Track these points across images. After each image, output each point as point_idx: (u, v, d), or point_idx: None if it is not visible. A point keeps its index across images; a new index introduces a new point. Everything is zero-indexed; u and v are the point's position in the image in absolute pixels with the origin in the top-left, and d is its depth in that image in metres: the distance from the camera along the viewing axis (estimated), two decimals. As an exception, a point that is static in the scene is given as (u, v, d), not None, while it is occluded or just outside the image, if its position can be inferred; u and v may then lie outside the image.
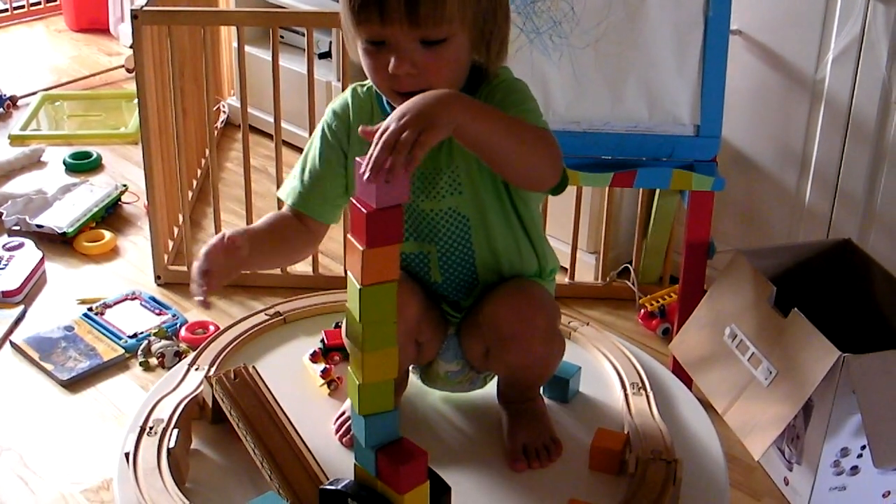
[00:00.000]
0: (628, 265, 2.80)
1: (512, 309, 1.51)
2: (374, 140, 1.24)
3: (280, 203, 1.67)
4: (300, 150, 3.41)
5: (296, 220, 1.61)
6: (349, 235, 1.23)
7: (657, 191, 2.67)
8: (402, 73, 1.40)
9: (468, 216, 1.53)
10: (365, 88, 1.58)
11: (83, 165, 3.48)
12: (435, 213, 1.54)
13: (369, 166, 1.21)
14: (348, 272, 1.25)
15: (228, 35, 3.72)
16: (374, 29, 1.40)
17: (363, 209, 1.20)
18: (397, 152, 1.22)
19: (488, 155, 1.38)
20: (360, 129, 1.30)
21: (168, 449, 1.50)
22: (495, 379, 1.67)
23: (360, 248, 1.21)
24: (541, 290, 1.57)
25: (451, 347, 1.61)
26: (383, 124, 1.26)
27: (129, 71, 4.18)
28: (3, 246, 2.91)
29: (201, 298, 1.41)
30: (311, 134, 2.62)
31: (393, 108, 1.52)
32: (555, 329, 1.57)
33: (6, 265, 2.81)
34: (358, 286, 1.23)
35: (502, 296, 1.53)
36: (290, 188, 1.63)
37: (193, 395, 1.62)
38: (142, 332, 2.57)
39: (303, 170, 1.62)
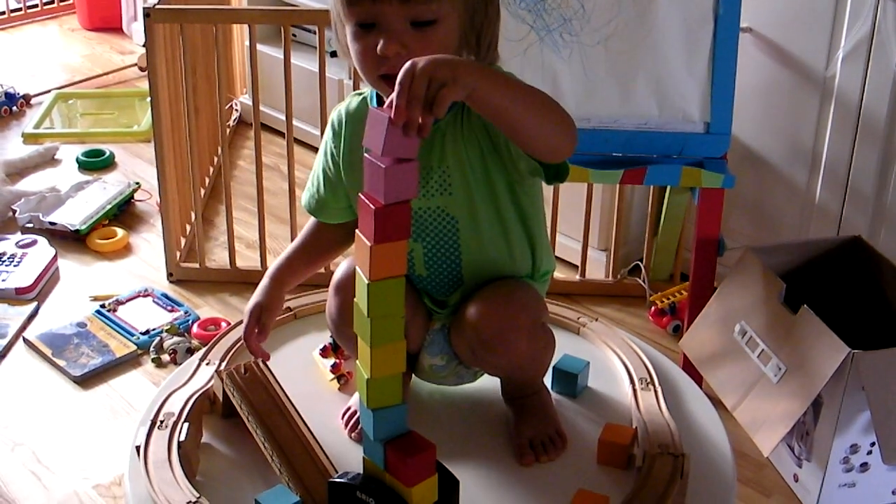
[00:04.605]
0: (639, 262, 2.80)
1: (493, 312, 1.50)
2: (397, 90, 1.21)
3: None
4: (312, 147, 3.45)
5: (325, 226, 1.71)
6: (357, 231, 1.24)
7: (668, 188, 2.67)
8: (392, 53, 1.39)
9: (456, 217, 1.53)
10: (360, 97, 1.60)
11: (96, 163, 3.50)
12: (423, 212, 1.54)
13: (400, 119, 1.19)
14: (356, 268, 1.26)
15: (240, 33, 3.73)
16: (365, 7, 1.40)
17: (371, 205, 1.20)
18: (427, 111, 1.21)
19: (504, 121, 1.36)
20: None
21: (179, 442, 1.51)
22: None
23: (369, 244, 1.21)
24: (525, 289, 1.56)
25: (437, 342, 1.61)
26: (405, 72, 1.21)
27: (141, 69, 4.20)
28: (17, 243, 2.93)
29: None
30: (321, 132, 2.66)
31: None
32: (538, 326, 1.56)
33: (20, 262, 2.83)
34: (366, 281, 1.23)
35: (484, 298, 1.52)
36: (308, 196, 1.70)
37: (204, 389, 1.63)
38: (154, 329, 2.58)
39: (315, 180, 1.68)
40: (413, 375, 1.68)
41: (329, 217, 1.68)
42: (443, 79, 1.22)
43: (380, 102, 1.54)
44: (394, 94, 1.20)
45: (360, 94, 1.61)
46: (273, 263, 1.72)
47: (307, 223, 1.74)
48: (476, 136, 1.50)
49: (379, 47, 1.40)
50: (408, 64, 1.22)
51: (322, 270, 2.75)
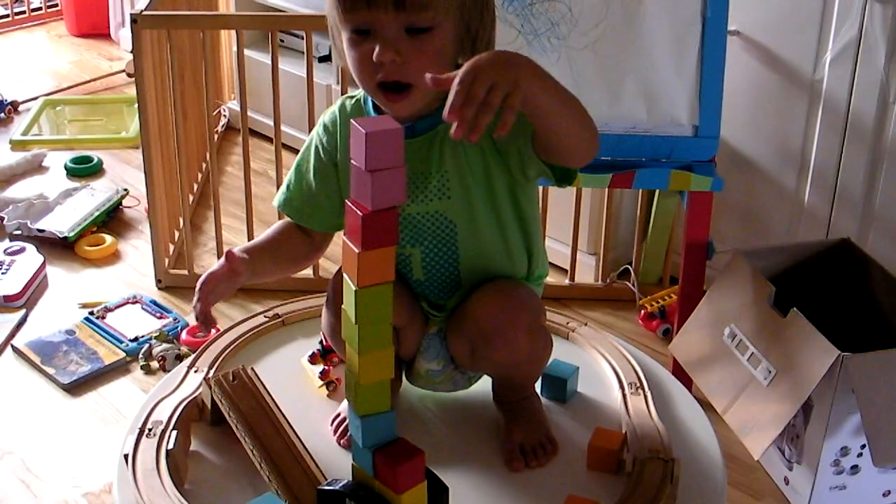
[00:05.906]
0: (628, 266, 2.80)
1: (495, 306, 1.51)
2: (456, 88, 1.21)
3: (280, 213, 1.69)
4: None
5: (298, 230, 1.66)
6: (344, 237, 1.23)
7: (657, 192, 2.67)
8: (387, 59, 1.39)
9: (455, 222, 1.53)
10: (354, 100, 1.59)
11: (84, 170, 3.49)
12: (421, 217, 1.53)
13: (453, 118, 1.19)
14: (344, 274, 1.25)
15: (228, 39, 3.72)
16: (360, 14, 1.39)
17: (359, 211, 1.20)
18: (484, 113, 1.20)
19: (546, 123, 1.36)
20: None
21: (167, 450, 1.50)
22: (488, 379, 1.67)
23: (356, 251, 1.21)
24: (525, 288, 1.56)
25: (433, 346, 1.60)
26: (466, 72, 1.22)
27: (129, 75, 4.19)
28: (5, 250, 2.92)
29: (198, 314, 1.55)
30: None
31: (380, 112, 1.52)
32: (538, 325, 1.56)
33: (7, 270, 2.82)
34: (354, 288, 1.23)
35: (486, 294, 1.52)
36: (284, 199, 1.66)
37: (192, 396, 1.62)
38: (143, 336, 2.57)
39: (298, 182, 1.64)
40: (403, 382, 1.67)
41: (314, 222, 1.64)
42: (506, 86, 1.22)
43: (374, 106, 1.54)
44: (451, 91, 1.20)
45: (352, 96, 1.60)
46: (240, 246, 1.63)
47: (278, 224, 1.68)
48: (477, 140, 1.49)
49: (374, 54, 1.40)
50: (470, 63, 1.23)
51: (311, 275, 2.76)
